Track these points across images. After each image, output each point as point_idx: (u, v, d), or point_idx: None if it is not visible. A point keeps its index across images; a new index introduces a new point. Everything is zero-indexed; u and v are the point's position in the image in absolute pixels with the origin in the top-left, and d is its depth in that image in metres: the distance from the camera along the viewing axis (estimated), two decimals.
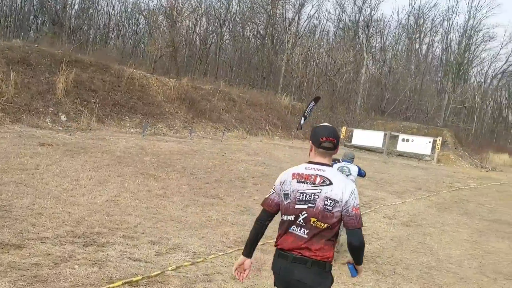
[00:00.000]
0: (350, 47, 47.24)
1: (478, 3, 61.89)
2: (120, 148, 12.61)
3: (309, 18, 59.96)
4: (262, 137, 24.39)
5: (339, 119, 37.73)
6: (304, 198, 2.52)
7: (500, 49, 68.02)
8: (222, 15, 52.11)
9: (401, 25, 60.21)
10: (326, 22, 60.54)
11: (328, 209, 2.47)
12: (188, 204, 7.92)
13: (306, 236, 2.51)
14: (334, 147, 2.59)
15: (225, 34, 54.35)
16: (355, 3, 59.35)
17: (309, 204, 2.50)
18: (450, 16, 62.65)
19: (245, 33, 52.34)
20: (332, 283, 2.57)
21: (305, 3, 58.14)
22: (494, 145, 57.76)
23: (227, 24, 53.15)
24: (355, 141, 30.67)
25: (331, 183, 2.51)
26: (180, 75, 32.11)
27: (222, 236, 6.30)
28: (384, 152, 28.29)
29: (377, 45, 59.82)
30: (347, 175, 6.00)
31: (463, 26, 62.59)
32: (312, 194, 2.51)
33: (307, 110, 31.85)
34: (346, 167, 6.27)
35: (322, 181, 2.52)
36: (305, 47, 47.71)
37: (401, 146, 29.39)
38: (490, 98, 74.94)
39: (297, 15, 55.85)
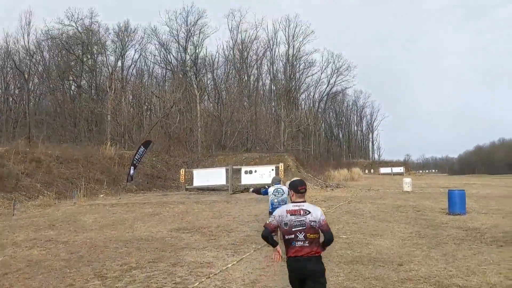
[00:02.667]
0: (178, 86, 44.88)
1: (294, 32, 65.39)
2: None
3: (134, 63, 56.54)
4: (77, 199, 19.57)
5: (177, 161, 34.37)
6: (296, 224, 4.15)
7: (321, 73, 73.01)
8: (32, 70, 45.68)
9: (228, 60, 60.50)
10: (153, 66, 57.63)
11: (313, 226, 4.14)
12: None
13: (307, 244, 4.12)
14: (305, 191, 4.40)
15: (38, 88, 47.88)
16: (179, 43, 57.97)
17: (302, 227, 4.14)
18: (271, 47, 64.80)
19: (63, 85, 46.54)
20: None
21: (127, 48, 54.81)
22: (333, 162, 60.81)
23: (39, 78, 46.85)
24: (197, 182, 27.13)
25: (310, 212, 4.20)
26: None
27: None
28: (229, 189, 25.56)
29: (209, 82, 58.99)
30: (281, 195, 8.24)
31: (285, 55, 65.53)
32: (301, 221, 4.15)
33: (136, 157, 27.81)
34: (280, 188, 8.35)
35: (304, 212, 4.20)
36: (132, 92, 43.99)
37: (246, 179, 26.97)
38: (321, 120, 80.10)
39: (120, 61, 52.12)
